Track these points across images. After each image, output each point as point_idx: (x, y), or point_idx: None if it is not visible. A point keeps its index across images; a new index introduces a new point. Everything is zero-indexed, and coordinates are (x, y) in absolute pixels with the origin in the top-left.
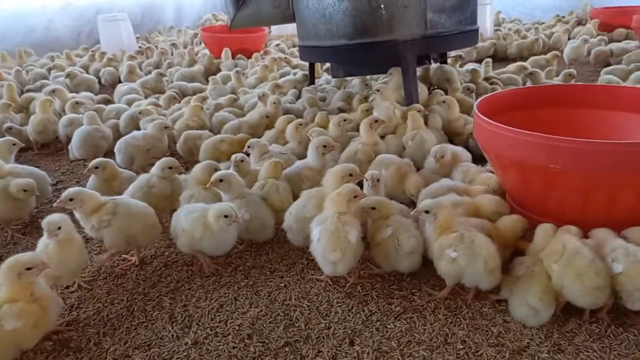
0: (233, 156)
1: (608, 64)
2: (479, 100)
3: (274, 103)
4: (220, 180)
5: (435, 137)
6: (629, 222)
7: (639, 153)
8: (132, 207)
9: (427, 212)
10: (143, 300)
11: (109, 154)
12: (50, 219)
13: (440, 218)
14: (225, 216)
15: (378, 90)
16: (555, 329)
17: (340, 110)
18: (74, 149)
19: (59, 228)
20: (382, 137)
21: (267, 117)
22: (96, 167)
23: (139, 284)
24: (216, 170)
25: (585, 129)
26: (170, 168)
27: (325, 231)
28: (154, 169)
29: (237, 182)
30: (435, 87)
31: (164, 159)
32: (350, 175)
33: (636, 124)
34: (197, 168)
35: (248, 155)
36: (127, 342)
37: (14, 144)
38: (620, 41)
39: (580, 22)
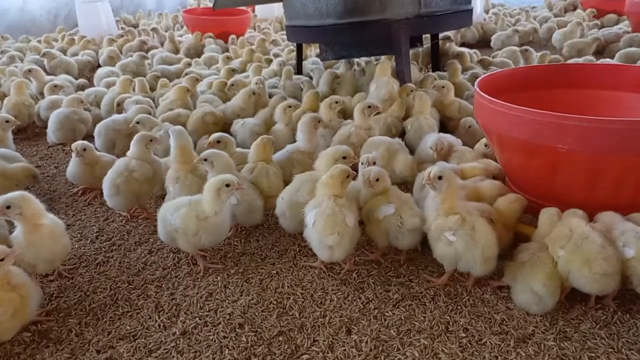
0: (213, 136)
1: (598, 51)
2: (479, 79)
3: (255, 83)
4: (205, 159)
5: (435, 124)
6: (635, 204)
7: None
8: None
9: (440, 177)
10: (127, 289)
11: (89, 138)
12: (2, 197)
13: (451, 186)
14: (227, 185)
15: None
16: (559, 315)
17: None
18: (50, 132)
19: (8, 207)
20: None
21: (253, 93)
22: (84, 149)
23: (122, 272)
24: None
25: (588, 110)
26: (151, 141)
27: (322, 214)
28: (133, 150)
29: (222, 162)
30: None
31: (140, 133)
32: (344, 157)
33: None
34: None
35: (219, 142)
36: (110, 332)
37: (7, 121)
38: (611, 27)
39: (567, 9)
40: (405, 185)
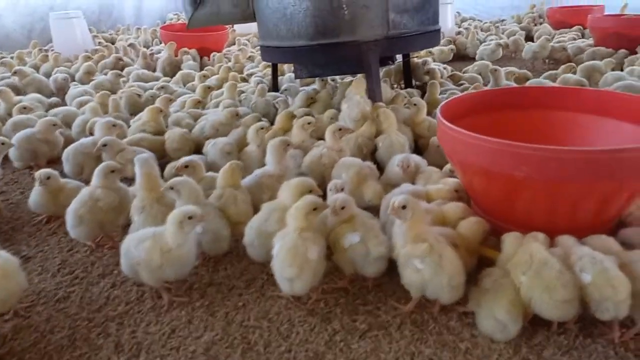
0: (180, 161)
1: (566, 61)
2: (441, 104)
3: (227, 107)
4: (171, 188)
5: (406, 140)
6: (596, 227)
7: (607, 159)
8: None
9: (404, 207)
10: (87, 327)
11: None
12: None
13: (416, 214)
14: (190, 217)
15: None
16: (523, 342)
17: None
18: (10, 153)
19: None
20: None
21: (237, 114)
22: (48, 178)
23: (83, 308)
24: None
25: (549, 131)
26: (112, 172)
27: (283, 247)
28: (95, 179)
29: (189, 190)
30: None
31: (103, 164)
32: (310, 191)
33: (597, 126)
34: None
35: (186, 167)
36: None
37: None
38: (575, 39)
39: (535, 22)
40: (375, 207)
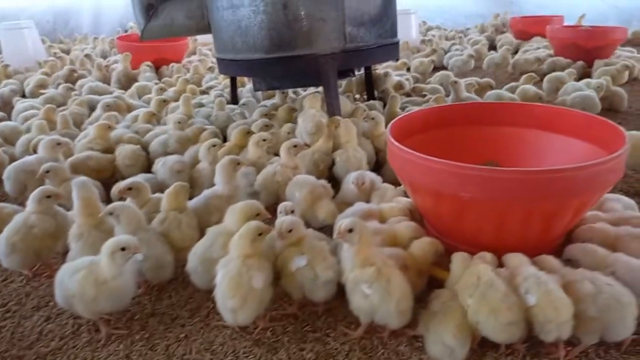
0: (123, 183)
1: (526, 72)
2: (392, 122)
3: (178, 122)
4: (110, 213)
5: (364, 155)
6: (544, 244)
7: (547, 180)
8: None
9: (350, 230)
10: None
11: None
12: None
13: (363, 237)
14: (123, 249)
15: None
16: None
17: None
18: None
19: None
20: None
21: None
22: None
23: (13, 345)
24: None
25: (500, 147)
26: (48, 197)
27: (226, 276)
28: (30, 204)
29: (128, 216)
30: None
31: (38, 188)
32: (257, 215)
33: (547, 141)
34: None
35: (130, 189)
36: None
37: None
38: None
39: (498, 30)
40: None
